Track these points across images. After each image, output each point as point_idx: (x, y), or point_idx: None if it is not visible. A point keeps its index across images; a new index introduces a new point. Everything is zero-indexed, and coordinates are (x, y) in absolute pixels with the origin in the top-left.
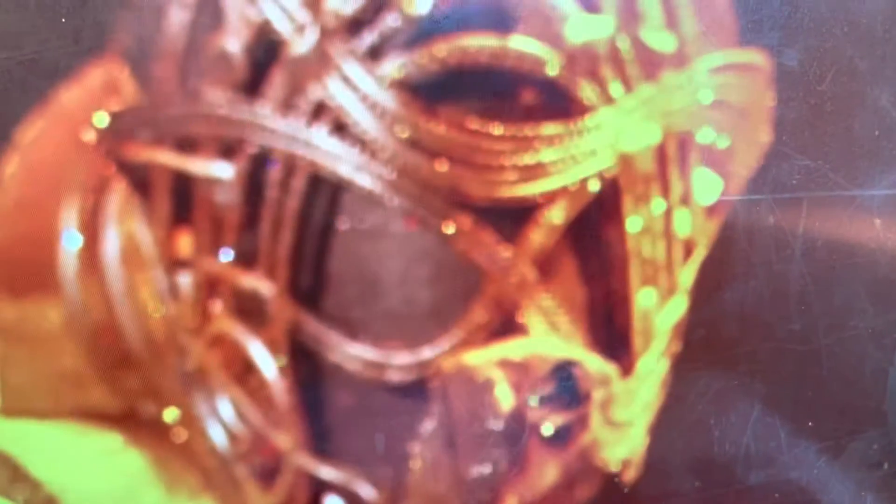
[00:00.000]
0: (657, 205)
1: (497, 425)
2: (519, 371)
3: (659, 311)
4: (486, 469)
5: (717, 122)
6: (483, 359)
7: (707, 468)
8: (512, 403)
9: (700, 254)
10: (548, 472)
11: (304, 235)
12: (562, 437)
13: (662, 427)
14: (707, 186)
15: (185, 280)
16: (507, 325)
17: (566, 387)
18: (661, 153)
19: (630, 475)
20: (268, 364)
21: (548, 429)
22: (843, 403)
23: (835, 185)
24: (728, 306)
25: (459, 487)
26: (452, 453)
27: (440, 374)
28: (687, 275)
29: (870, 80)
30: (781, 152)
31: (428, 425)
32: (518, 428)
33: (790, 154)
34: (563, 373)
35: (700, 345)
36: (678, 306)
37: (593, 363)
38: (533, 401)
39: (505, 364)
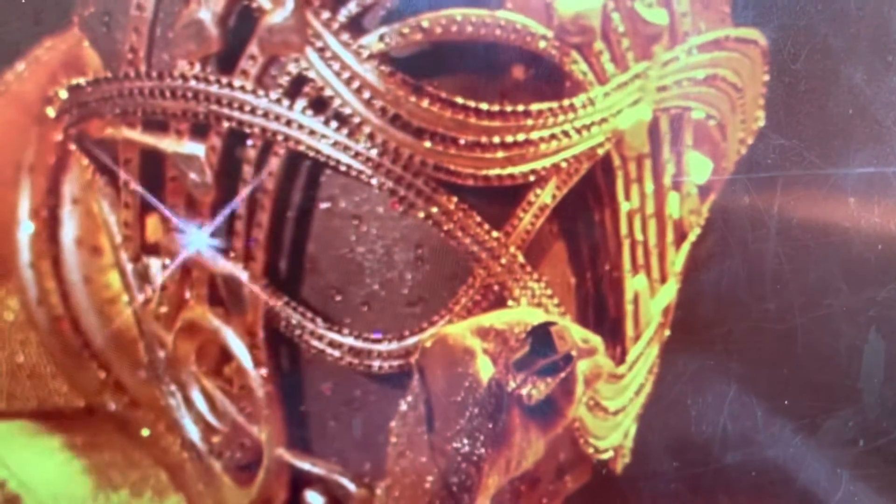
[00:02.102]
0: (650, 185)
1: (477, 397)
2: (499, 340)
3: (651, 296)
4: (465, 444)
5: (711, 98)
6: (461, 328)
7: (684, 448)
8: (492, 373)
9: (693, 237)
10: (532, 449)
11: (282, 217)
12: (546, 409)
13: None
14: (698, 166)
15: (155, 264)
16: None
17: (545, 347)
18: (654, 131)
19: (620, 463)
20: (244, 353)
21: (530, 398)
22: (818, 382)
23: (809, 163)
24: (704, 286)
25: (438, 464)
26: (430, 428)
27: (418, 348)
28: (680, 258)
29: (843, 58)
30: (756, 131)
31: (405, 402)
32: (499, 399)
33: (765, 133)
34: (541, 333)
35: (676, 325)
36: (670, 290)
37: (577, 331)
38: (512, 365)
39: (484, 332)
